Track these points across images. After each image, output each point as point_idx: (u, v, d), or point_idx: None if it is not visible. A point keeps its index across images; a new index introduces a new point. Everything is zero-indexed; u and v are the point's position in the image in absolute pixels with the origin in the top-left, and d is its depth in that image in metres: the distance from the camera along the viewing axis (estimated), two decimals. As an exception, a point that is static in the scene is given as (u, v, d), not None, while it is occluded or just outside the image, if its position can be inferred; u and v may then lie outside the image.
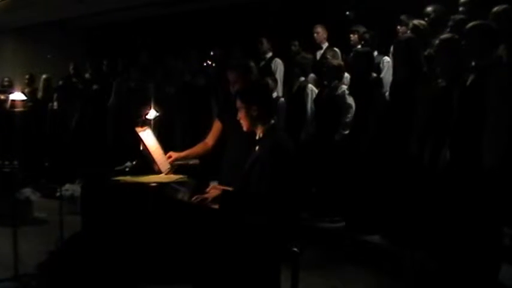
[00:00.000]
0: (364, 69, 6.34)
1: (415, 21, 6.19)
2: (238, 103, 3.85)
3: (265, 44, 8.53)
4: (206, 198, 3.75)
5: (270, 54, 8.49)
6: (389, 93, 5.99)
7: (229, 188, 3.87)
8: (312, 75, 7.59)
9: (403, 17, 6.95)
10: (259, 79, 5.85)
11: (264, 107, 3.80)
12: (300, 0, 9.41)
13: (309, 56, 7.78)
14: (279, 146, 3.66)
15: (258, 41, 8.58)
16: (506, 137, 4.37)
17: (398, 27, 6.97)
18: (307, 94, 7.19)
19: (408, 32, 6.52)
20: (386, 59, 6.98)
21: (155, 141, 4.68)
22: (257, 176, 3.61)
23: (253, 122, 3.81)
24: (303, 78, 7.38)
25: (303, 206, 6.49)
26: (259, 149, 3.77)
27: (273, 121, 3.83)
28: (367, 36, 7.38)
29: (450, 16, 6.08)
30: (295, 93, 7.36)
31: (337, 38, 8.10)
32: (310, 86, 7.27)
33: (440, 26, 6.25)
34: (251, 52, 8.36)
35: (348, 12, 8.58)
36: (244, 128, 3.88)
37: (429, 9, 6.52)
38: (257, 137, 3.83)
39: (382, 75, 6.82)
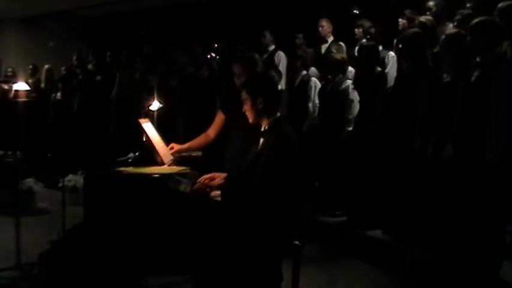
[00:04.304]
0: (368, 64, 6.33)
1: (422, 18, 6.17)
2: (244, 95, 3.84)
3: (268, 36, 8.51)
4: (209, 185, 3.76)
5: (272, 47, 8.47)
6: (394, 88, 5.98)
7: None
8: (313, 68, 7.59)
9: (407, 12, 6.97)
10: (264, 72, 5.85)
11: (269, 100, 3.78)
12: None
13: (309, 49, 7.79)
14: (285, 139, 3.65)
15: (260, 33, 8.57)
16: (509, 134, 4.37)
17: (400, 19, 6.99)
18: (310, 87, 7.20)
19: (407, 25, 6.63)
20: (391, 53, 6.96)
21: (156, 132, 4.69)
22: (261, 168, 3.61)
23: (259, 114, 3.80)
24: (305, 72, 7.38)
25: (305, 199, 6.48)
26: (264, 141, 3.75)
27: (278, 114, 3.82)
28: (372, 30, 7.37)
29: (456, 11, 6.06)
30: (298, 87, 7.37)
31: (342, 32, 8.09)
32: (313, 79, 7.28)
33: (442, 19, 6.25)
34: (255, 45, 8.36)
35: (354, 9, 8.55)
36: (250, 120, 3.86)
37: (431, 3, 6.54)
38: (262, 129, 3.81)
39: (387, 70, 6.80)
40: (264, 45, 8.49)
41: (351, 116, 6.56)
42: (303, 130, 7.00)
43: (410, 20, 6.87)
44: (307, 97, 7.21)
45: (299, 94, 7.32)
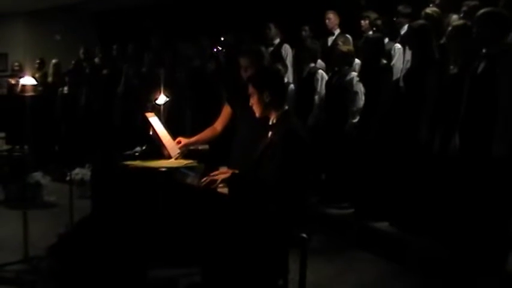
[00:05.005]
0: (374, 56, 6.32)
1: (428, 10, 6.15)
2: (251, 88, 3.82)
3: (273, 29, 8.50)
4: (216, 180, 3.75)
5: (278, 40, 8.47)
6: (400, 80, 5.97)
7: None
8: (319, 61, 7.58)
9: (400, 7, 6.93)
10: (271, 65, 5.84)
11: (277, 93, 3.77)
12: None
13: (316, 42, 7.78)
14: (293, 132, 3.63)
15: (265, 26, 8.56)
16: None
17: (394, 19, 6.97)
18: (317, 79, 7.17)
19: (404, 21, 6.68)
20: (398, 46, 6.94)
21: (162, 126, 4.70)
22: (269, 161, 3.61)
23: (266, 107, 3.78)
24: (312, 64, 7.38)
25: (312, 192, 6.49)
26: (272, 134, 3.74)
27: (286, 107, 3.81)
28: (378, 22, 7.35)
29: (463, 2, 6.03)
30: (305, 79, 7.36)
31: (348, 24, 8.07)
32: (320, 71, 7.26)
33: (446, 11, 6.22)
34: (261, 38, 8.35)
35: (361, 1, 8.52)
36: (257, 114, 3.84)
37: None
38: (270, 123, 3.81)
39: (393, 63, 6.78)
40: (269, 38, 8.49)
41: (355, 108, 6.55)
42: (308, 122, 7.00)
43: (405, 15, 6.83)
44: (314, 89, 7.21)
45: (306, 86, 7.31)
